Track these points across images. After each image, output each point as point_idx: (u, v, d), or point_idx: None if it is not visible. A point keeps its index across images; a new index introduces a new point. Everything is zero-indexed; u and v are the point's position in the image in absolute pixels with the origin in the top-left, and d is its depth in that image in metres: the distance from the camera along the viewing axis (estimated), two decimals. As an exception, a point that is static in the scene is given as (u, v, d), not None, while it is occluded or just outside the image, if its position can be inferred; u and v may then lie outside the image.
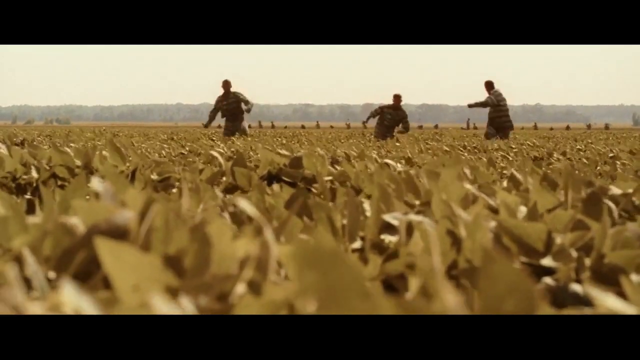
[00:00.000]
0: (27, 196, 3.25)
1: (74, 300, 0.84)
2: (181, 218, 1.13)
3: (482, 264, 0.82)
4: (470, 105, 16.89)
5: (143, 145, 8.16)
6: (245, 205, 1.34)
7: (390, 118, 17.38)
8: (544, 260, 1.49)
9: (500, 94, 16.84)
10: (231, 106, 16.77)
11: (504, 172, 4.36)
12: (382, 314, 0.79)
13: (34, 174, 3.42)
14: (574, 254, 1.48)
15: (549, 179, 2.68)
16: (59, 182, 3.44)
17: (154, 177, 3.46)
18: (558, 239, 1.51)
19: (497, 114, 16.72)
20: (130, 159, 3.76)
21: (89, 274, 1.10)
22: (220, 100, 16.94)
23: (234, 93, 16.88)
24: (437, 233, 1.47)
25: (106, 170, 3.28)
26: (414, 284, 1.22)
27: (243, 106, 16.83)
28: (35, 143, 8.50)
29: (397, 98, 17.61)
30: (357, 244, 1.64)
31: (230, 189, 3.28)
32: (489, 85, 17.02)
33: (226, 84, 16.90)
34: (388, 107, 17.58)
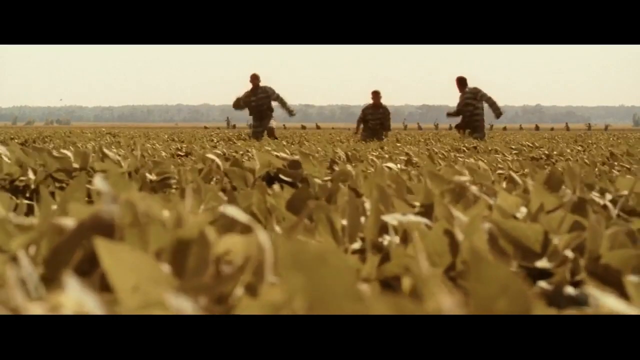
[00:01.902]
0: (27, 198, 3.26)
1: (77, 297, 0.85)
2: (180, 219, 1.13)
3: (472, 265, 0.82)
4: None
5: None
6: (233, 211, 1.34)
7: (372, 118, 15.87)
8: (540, 262, 1.49)
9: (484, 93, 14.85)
10: (260, 102, 15.06)
11: (500, 172, 4.36)
12: (373, 314, 0.79)
13: (31, 175, 3.42)
14: (570, 254, 1.48)
15: (552, 180, 2.68)
16: (57, 184, 3.44)
17: (152, 177, 3.46)
18: (555, 240, 1.51)
19: (479, 115, 15.08)
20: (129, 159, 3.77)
21: (82, 274, 1.10)
22: (248, 95, 15.16)
23: (264, 88, 15.15)
24: (435, 235, 1.47)
25: (107, 171, 3.28)
26: (407, 284, 1.22)
27: (273, 104, 15.07)
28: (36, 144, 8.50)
29: (374, 95, 16.00)
30: (357, 245, 1.64)
31: (227, 189, 3.28)
32: (464, 83, 14.99)
33: (254, 79, 15.13)
34: (368, 107, 16.04)
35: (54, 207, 1.46)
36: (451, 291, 0.82)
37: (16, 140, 10.70)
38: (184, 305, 0.88)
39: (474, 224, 1.42)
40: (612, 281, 1.40)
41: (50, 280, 1.10)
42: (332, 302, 0.81)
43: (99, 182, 1.38)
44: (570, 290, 1.36)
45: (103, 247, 0.94)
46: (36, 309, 0.86)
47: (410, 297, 1.07)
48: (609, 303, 0.95)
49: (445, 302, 0.80)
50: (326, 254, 0.82)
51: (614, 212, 2.06)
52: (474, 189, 2.13)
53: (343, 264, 0.81)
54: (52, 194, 2.50)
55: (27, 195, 3.33)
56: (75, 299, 0.85)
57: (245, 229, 1.27)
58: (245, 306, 0.92)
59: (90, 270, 1.07)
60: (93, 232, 1.07)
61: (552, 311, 0.87)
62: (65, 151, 3.74)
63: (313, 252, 0.82)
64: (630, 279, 1.09)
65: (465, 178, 2.17)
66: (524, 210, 1.95)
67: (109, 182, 1.45)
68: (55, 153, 3.69)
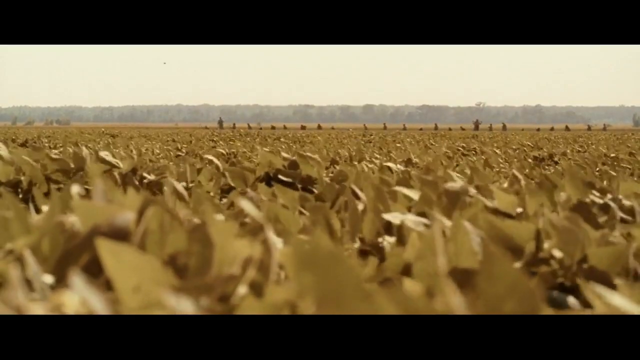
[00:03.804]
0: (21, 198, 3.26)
1: (82, 294, 0.85)
2: (182, 219, 1.13)
3: (482, 265, 0.82)
4: None
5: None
6: (246, 205, 1.34)
7: None
8: (530, 262, 1.49)
9: None
10: None
11: (501, 172, 4.36)
12: (382, 313, 0.80)
13: (27, 175, 3.42)
14: (560, 255, 1.48)
15: (547, 181, 2.68)
16: (54, 186, 3.44)
17: (151, 177, 3.46)
18: (546, 240, 1.51)
19: None
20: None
21: (91, 276, 1.10)
22: None
23: None
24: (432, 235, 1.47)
25: (93, 172, 3.27)
26: (413, 284, 1.22)
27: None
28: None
29: None
30: (355, 245, 1.64)
31: (226, 190, 3.28)
32: None
33: None
34: None
35: (46, 208, 1.46)
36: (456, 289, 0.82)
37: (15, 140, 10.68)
38: (183, 305, 0.88)
39: (458, 225, 1.42)
40: (599, 281, 1.40)
41: (59, 280, 1.10)
42: (342, 301, 0.82)
43: (74, 190, 1.38)
44: (556, 292, 1.36)
45: (105, 248, 0.94)
46: (38, 309, 0.86)
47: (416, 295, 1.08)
48: (614, 301, 0.95)
49: (456, 301, 0.80)
50: (337, 254, 0.82)
51: (617, 213, 2.06)
52: (470, 190, 2.13)
53: (353, 264, 0.82)
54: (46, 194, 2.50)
55: (21, 195, 3.33)
56: (80, 298, 0.85)
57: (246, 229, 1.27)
58: (249, 306, 0.93)
59: (98, 273, 1.07)
60: (107, 236, 1.07)
61: (553, 312, 0.87)
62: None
63: (324, 252, 0.82)
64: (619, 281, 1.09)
65: (458, 185, 2.16)
66: (520, 210, 1.95)
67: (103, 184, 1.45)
68: (53, 154, 3.69)
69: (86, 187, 2.81)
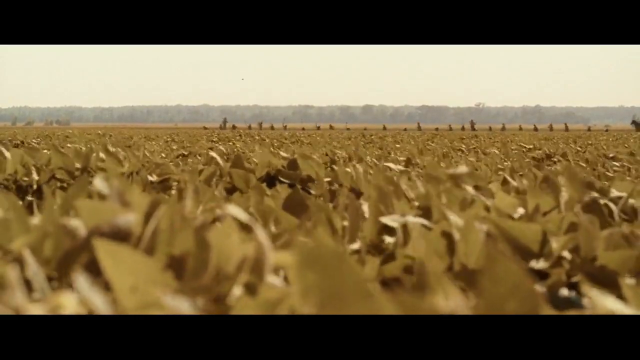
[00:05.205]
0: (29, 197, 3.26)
1: (85, 294, 0.85)
2: (183, 220, 1.13)
3: (484, 265, 0.82)
4: None
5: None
6: (235, 210, 1.34)
7: None
8: (538, 263, 1.48)
9: None
10: None
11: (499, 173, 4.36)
12: (385, 313, 0.79)
13: (35, 175, 3.42)
14: (568, 255, 1.48)
15: (548, 181, 2.68)
16: (59, 184, 3.44)
17: (153, 178, 3.46)
18: (553, 241, 1.51)
19: None
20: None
21: (91, 276, 1.10)
22: None
23: None
24: (434, 236, 1.47)
25: (108, 171, 3.29)
26: (413, 284, 1.22)
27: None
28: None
29: None
30: (357, 245, 1.64)
31: (229, 190, 3.28)
32: None
33: None
34: None
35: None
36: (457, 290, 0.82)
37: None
38: (180, 305, 0.88)
39: (470, 225, 1.42)
40: (608, 282, 1.40)
41: (60, 281, 1.10)
42: (345, 301, 0.81)
43: (99, 183, 1.38)
44: (566, 291, 1.36)
45: (102, 248, 0.94)
46: (36, 309, 0.86)
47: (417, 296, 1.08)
48: (608, 304, 0.95)
49: (458, 301, 0.80)
50: (339, 253, 0.82)
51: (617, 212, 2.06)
52: (471, 189, 2.12)
53: (354, 264, 0.82)
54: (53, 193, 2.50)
55: (30, 193, 3.33)
56: (79, 298, 0.85)
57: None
58: (244, 306, 0.92)
59: (98, 273, 1.07)
60: (108, 237, 1.07)
61: (554, 312, 0.87)
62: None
63: (327, 252, 0.82)
64: (627, 281, 1.09)
65: (464, 169, 2.15)
66: (521, 210, 1.95)
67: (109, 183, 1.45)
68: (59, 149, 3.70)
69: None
